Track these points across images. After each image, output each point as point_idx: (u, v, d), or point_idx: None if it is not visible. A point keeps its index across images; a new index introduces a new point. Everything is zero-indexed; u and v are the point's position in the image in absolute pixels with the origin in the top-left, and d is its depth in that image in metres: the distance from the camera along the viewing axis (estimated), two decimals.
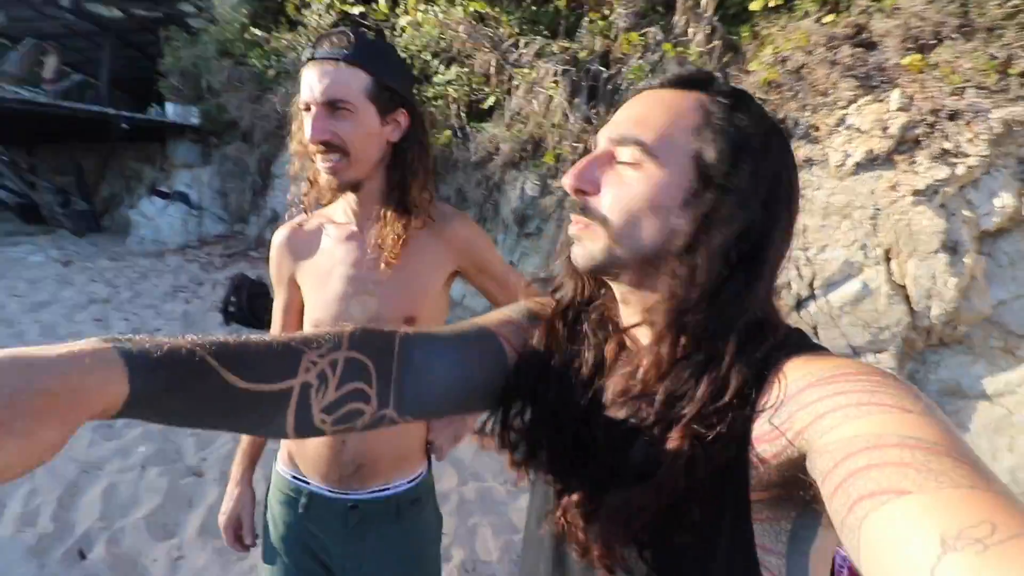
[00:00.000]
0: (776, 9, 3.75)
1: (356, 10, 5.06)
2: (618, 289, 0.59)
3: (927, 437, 0.36)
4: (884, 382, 0.43)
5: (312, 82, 0.95)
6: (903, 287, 3.26)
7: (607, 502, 0.51)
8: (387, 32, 5.20)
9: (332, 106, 0.95)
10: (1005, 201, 3.23)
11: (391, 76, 1.00)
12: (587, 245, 0.56)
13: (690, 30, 4.02)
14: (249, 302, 4.68)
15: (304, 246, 1.12)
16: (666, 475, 0.48)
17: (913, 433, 0.37)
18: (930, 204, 3.25)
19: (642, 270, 0.55)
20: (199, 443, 2.90)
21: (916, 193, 3.26)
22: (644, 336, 0.58)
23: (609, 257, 0.55)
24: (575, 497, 0.55)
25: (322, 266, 1.09)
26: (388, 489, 1.14)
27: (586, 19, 4.36)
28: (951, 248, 3.19)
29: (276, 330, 1.21)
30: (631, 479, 0.50)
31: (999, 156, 3.24)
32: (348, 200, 1.08)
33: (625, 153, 0.54)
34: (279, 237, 1.16)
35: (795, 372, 0.47)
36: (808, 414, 0.43)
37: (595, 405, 0.60)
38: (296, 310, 1.19)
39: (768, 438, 0.46)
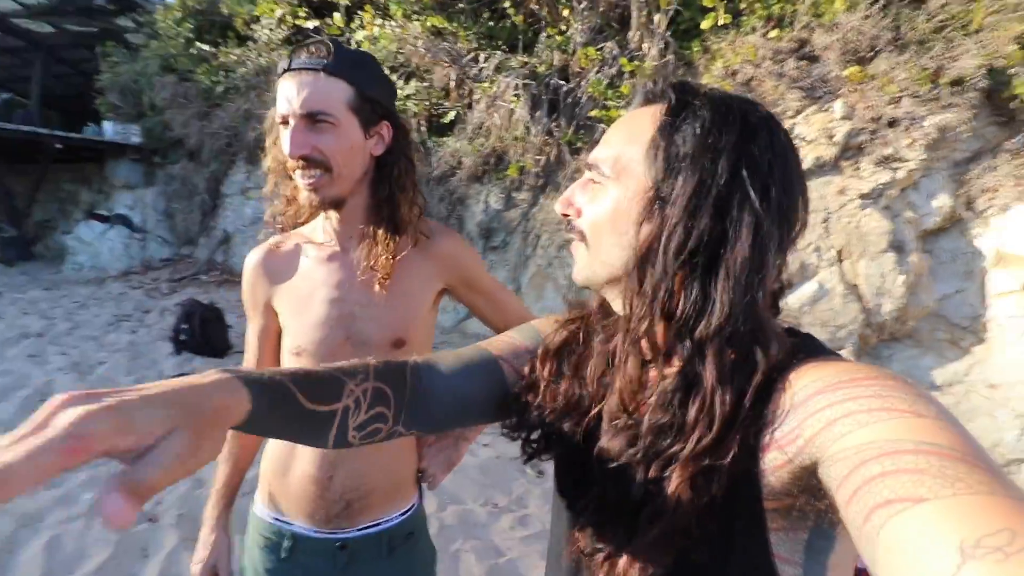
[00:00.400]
0: (725, 25, 3.91)
1: (310, 24, 4.96)
2: (615, 305, 0.60)
3: (942, 442, 0.36)
4: (895, 386, 0.42)
5: (290, 93, 0.89)
6: (855, 286, 3.42)
7: (617, 549, 0.51)
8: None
9: (312, 119, 0.89)
10: (942, 202, 3.45)
11: (373, 87, 0.96)
12: (576, 264, 0.60)
13: (644, 45, 4.14)
14: (202, 328, 4.44)
15: (281, 268, 1.04)
16: (670, 522, 0.48)
17: (927, 439, 0.36)
18: (876, 207, 3.43)
19: (615, 287, 0.56)
20: None
21: (863, 196, 3.44)
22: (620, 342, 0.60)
23: (591, 274, 0.58)
24: (586, 531, 0.56)
25: (302, 289, 1.01)
26: (380, 524, 1.06)
27: (544, 34, 4.42)
28: (897, 247, 3.38)
29: (251, 358, 1.12)
30: (632, 516, 0.50)
31: (935, 160, 3.47)
32: (329, 218, 1.00)
33: (593, 174, 0.57)
34: (253, 259, 1.06)
35: (802, 379, 0.47)
36: (818, 421, 0.43)
37: (592, 431, 0.60)
38: (272, 336, 1.10)
39: (777, 446, 0.46)
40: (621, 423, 0.53)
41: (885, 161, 3.45)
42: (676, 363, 0.51)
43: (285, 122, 0.91)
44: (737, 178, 0.50)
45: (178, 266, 7.07)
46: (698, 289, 0.50)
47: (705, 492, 0.47)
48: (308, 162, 0.90)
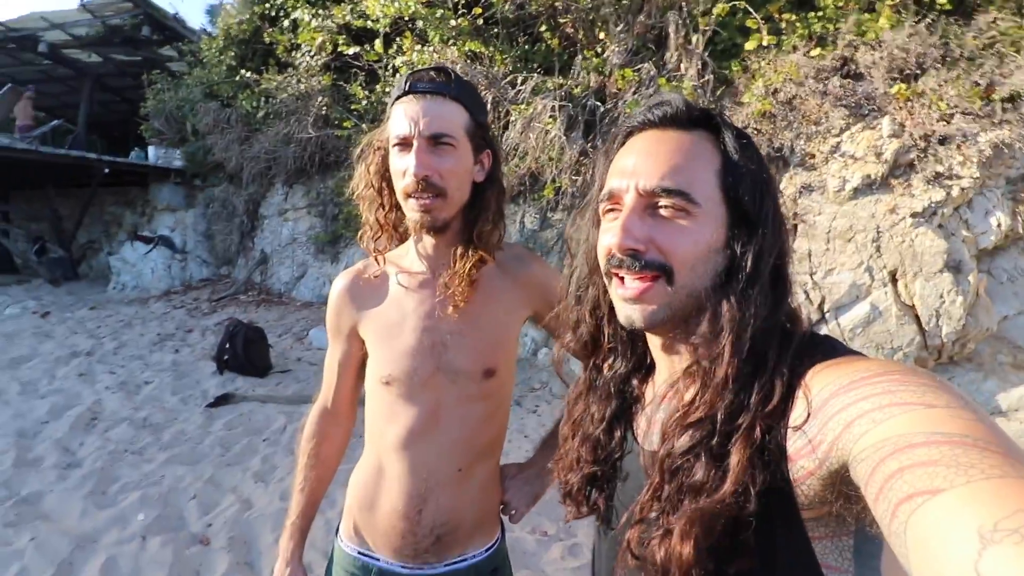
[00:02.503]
0: (766, 45, 3.89)
1: (351, 50, 5.10)
2: (660, 339, 0.63)
3: (953, 430, 0.37)
4: (904, 379, 0.43)
5: (414, 114, 0.89)
6: (911, 307, 3.30)
7: (681, 516, 0.52)
8: (380, 72, 5.25)
9: (435, 141, 0.89)
10: (1000, 220, 3.33)
11: (482, 114, 0.97)
12: (647, 305, 0.58)
13: (682, 65, 4.14)
14: (244, 349, 4.51)
15: (369, 295, 1.04)
16: (732, 483, 0.49)
17: (939, 428, 0.37)
18: (930, 225, 3.33)
19: (689, 315, 0.58)
20: (201, 507, 2.71)
21: (915, 215, 3.34)
22: (666, 371, 0.64)
23: (670, 310, 0.57)
24: (637, 528, 0.56)
25: (391, 317, 1.01)
26: (466, 559, 1.04)
27: (580, 56, 4.46)
28: (954, 267, 3.26)
29: (331, 383, 1.12)
30: (695, 496, 0.52)
31: (990, 177, 3.36)
32: (423, 244, 1.00)
33: (665, 203, 0.57)
34: (340, 284, 1.07)
35: (818, 383, 0.48)
36: (837, 424, 0.44)
37: (627, 442, 0.67)
38: (355, 363, 1.10)
39: (804, 453, 0.47)
40: (694, 419, 0.54)
41: (937, 179, 3.36)
42: (728, 357, 0.53)
43: (405, 144, 0.91)
44: (777, 194, 0.59)
45: (217, 286, 7.25)
46: (776, 294, 0.56)
47: (758, 460, 0.49)
48: (426, 185, 0.90)
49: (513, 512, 1.10)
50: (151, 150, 8.15)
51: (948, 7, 3.59)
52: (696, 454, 0.53)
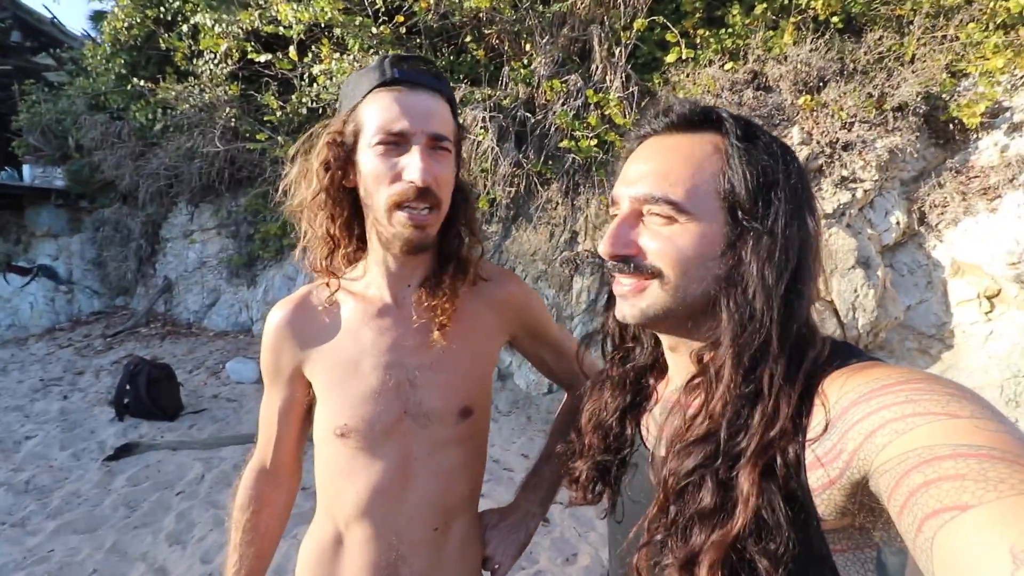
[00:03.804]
0: (684, 59, 4.06)
1: (261, 58, 4.74)
2: (667, 340, 0.63)
3: (980, 442, 0.36)
4: (927, 388, 0.41)
5: (412, 107, 0.74)
6: (830, 302, 3.53)
7: (688, 546, 0.50)
8: (296, 82, 4.92)
9: (435, 142, 0.75)
10: (898, 218, 3.65)
11: (458, 119, 0.84)
12: (636, 302, 0.58)
13: (607, 77, 4.22)
14: (148, 389, 3.98)
15: (315, 328, 0.86)
16: (745, 514, 0.47)
17: (964, 440, 0.36)
18: (840, 225, 3.58)
19: (691, 318, 0.58)
20: None
21: (827, 216, 3.58)
22: (675, 374, 0.64)
23: (663, 309, 0.57)
24: (646, 551, 0.55)
25: (346, 353, 0.84)
26: None
27: (507, 68, 4.43)
28: (864, 263, 3.52)
29: (268, 443, 0.93)
30: (705, 523, 0.50)
31: (887, 179, 3.69)
32: (388, 265, 0.84)
33: (655, 211, 0.56)
34: (278, 317, 0.88)
35: (836, 392, 0.47)
36: (858, 434, 0.43)
37: (635, 440, 0.67)
38: (299, 413, 0.92)
39: (823, 463, 0.46)
40: (695, 437, 0.52)
41: (843, 182, 3.63)
42: (729, 371, 0.52)
43: (398, 141, 0.74)
44: (799, 186, 0.56)
45: (112, 319, 6.45)
46: (785, 300, 0.53)
47: (769, 485, 0.47)
48: (426, 195, 0.74)
49: (497, 566, 0.97)
50: (26, 169, 7.16)
51: (840, 25, 3.92)
52: (701, 476, 0.51)
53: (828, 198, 3.62)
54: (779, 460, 0.48)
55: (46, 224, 7.21)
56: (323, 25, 4.55)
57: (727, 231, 0.55)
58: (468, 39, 4.58)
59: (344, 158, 0.79)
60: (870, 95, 3.64)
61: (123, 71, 6.17)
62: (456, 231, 0.85)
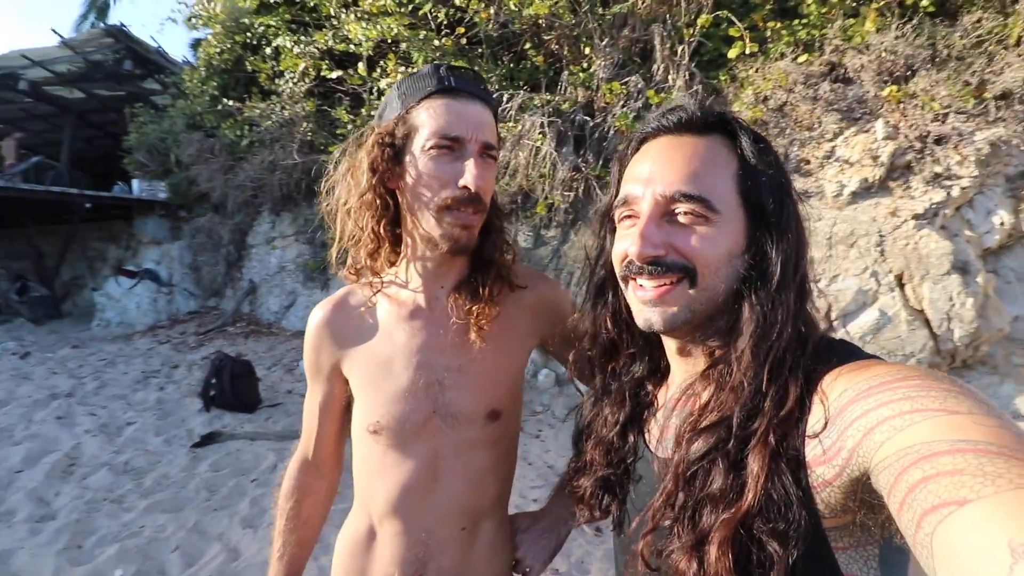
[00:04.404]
0: (752, 53, 3.87)
1: (334, 75, 5.03)
2: (676, 343, 0.62)
3: (977, 438, 0.36)
4: (925, 384, 0.42)
5: (469, 115, 0.77)
6: (920, 311, 3.21)
7: (698, 529, 0.50)
8: (365, 96, 5.18)
9: (487, 150, 0.79)
10: (1003, 218, 3.27)
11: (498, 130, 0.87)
12: (666, 308, 0.57)
13: (670, 77, 4.10)
14: (232, 383, 4.32)
15: (353, 328, 0.90)
16: (755, 493, 0.48)
17: (962, 436, 0.36)
18: (932, 226, 3.26)
19: (711, 317, 0.58)
20: (185, 558, 2.52)
21: (917, 217, 3.28)
22: (680, 375, 0.64)
23: (691, 313, 0.57)
24: (651, 537, 0.55)
25: (380, 353, 0.87)
26: None
27: (566, 72, 4.42)
28: (961, 268, 3.18)
29: (310, 436, 0.98)
30: (715, 505, 0.50)
31: (989, 175, 3.31)
32: (425, 267, 0.86)
33: (683, 209, 0.56)
34: (318, 316, 0.92)
35: (835, 389, 0.47)
36: (857, 431, 0.43)
37: (639, 448, 0.67)
38: (337, 407, 0.96)
39: (823, 460, 0.46)
40: (708, 424, 0.53)
41: (936, 179, 3.30)
42: (748, 361, 0.53)
43: (452, 146, 0.77)
44: (794, 194, 0.59)
45: (205, 319, 7.05)
46: (795, 296, 0.55)
47: (777, 466, 0.48)
48: (477, 200, 0.78)
49: (527, 570, 0.96)
50: (135, 183, 8.02)
51: (931, 8, 3.58)
52: (712, 460, 0.52)
53: (918, 197, 3.31)
54: (786, 447, 0.48)
55: (151, 232, 8.04)
56: (390, 41, 4.76)
57: (748, 230, 0.57)
58: (527, 46, 4.63)
59: (392, 159, 0.81)
60: (967, 83, 3.30)
61: (215, 93, 6.76)
62: (493, 237, 0.86)
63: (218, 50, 6.52)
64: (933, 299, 3.14)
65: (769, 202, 0.56)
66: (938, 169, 3.30)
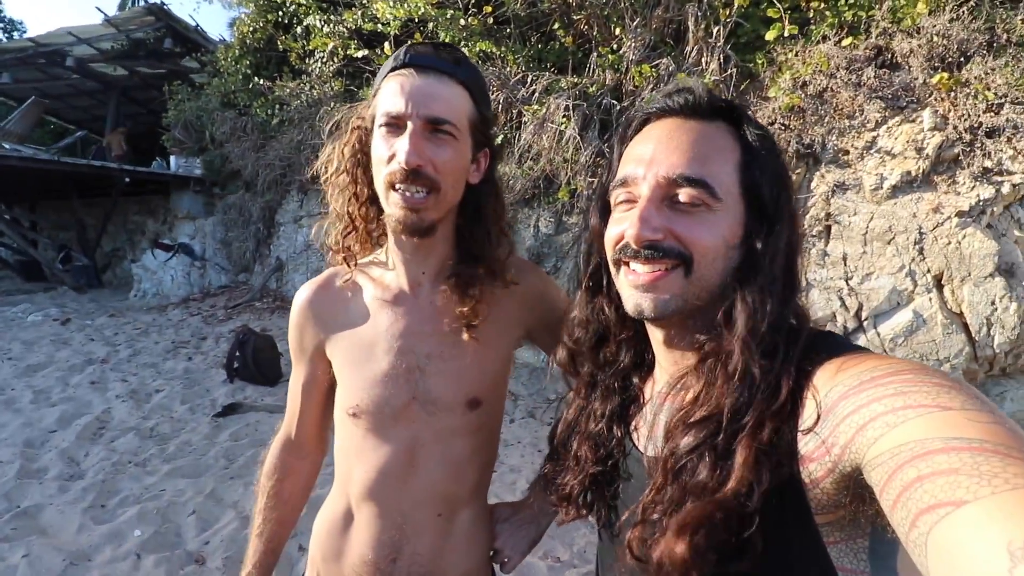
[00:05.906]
0: (791, 35, 3.67)
1: (361, 54, 5.03)
2: (664, 334, 0.61)
3: (971, 435, 0.35)
4: (916, 379, 0.41)
5: (412, 90, 0.74)
6: (959, 315, 3.03)
7: (683, 517, 0.49)
8: None
9: (435, 126, 0.75)
10: None
11: (488, 107, 0.82)
12: (659, 294, 0.56)
13: (703, 60, 3.94)
14: (254, 357, 4.45)
15: (337, 310, 0.89)
16: (736, 482, 0.47)
17: (956, 433, 0.36)
18: (978, 225, 3.06)
19: (702, 307, 0.56)
20: (200, 523, 2.61)
21: (961, 214, 3.08)
22: (667, 369, 0.62)
23: (683, 302, 0.55)
24: (639, 528, 0.54)
25: (362, 336, 0.86)
26: None
27: (595, 54, 4.30)
28: (1006, 271, 2.99)
29: (293, 416, 0.98)
30: (700, 495, 0.50)
31: None
32: (401, 250, 0.84)
33: (685, 194, 0.55)
34: (302, 297, 0.91)
35: (826, 384, 0.47)
36: (849, 427, 0.42)
37: (626, 445, 0.65)
38: (321, 389, 0.95)
39: (815, 457, 0.45)
40: (698, 417, 0.52)
41: (986, 174, 3.09)
42: (739, 355, 0.51)
43: (395, 124, 0.75)
44: (794, 191, 0.60)
45: (234, 293, 7.26)
46: (787, 290, 0.55)
47: (764, 459, 0.47)
48: (417, 177, 0.74)
49: (506, 560, 0.94)
50: (172, 159, 8.25)
51: None
52: (700, 453, 0.51)
53: (964, 193, 3.10)
54: (778, 441, 0.47)
55: (186, 207, 8.28)
56: (417, 20, 4.71)
57: (745, 221, 0.56)
58: (556, 26, 4.51)
59: (360, 140, 0.82)
60: None
61: (248, 71, 6.86)
62: (482, 227, 0.83)
63: (251, 29, 6.60)
64: (973, 302, 2.96)
65: (769, 194, 0.55)
66: (988, 163, 3.08)
